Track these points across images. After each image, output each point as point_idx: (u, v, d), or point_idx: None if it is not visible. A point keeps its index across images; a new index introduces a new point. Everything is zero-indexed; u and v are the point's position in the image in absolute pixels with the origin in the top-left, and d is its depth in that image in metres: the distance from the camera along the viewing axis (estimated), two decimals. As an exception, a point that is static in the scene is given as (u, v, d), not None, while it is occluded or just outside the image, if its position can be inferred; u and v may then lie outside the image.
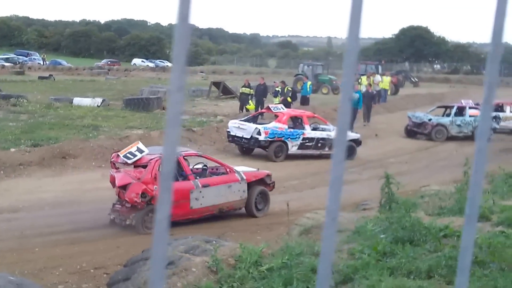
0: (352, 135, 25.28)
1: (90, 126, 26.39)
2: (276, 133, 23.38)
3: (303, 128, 24.29)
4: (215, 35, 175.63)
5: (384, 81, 45.79)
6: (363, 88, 36.69)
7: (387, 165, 20.59)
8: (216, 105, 39.91)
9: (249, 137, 23.35)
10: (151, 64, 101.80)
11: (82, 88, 47.62)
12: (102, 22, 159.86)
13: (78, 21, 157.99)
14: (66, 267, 11.48)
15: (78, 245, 12.86)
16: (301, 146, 23.89)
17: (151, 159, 14.41)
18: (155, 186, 13.87)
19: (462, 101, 35.48)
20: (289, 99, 33.18)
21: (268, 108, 25.53)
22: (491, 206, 11.99)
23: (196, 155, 16.30)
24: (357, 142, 24.83)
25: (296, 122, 25.10)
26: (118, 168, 15.05)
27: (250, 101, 34.46)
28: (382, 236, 9.38)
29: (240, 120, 25.05)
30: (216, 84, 46.73)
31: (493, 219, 11.19)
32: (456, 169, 18.23)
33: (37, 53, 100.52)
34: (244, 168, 16.98)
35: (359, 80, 42.23)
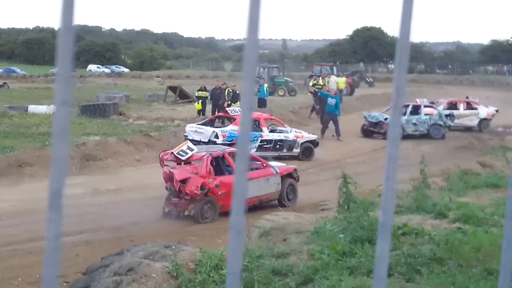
0: (309, 136, 25.40)
1: (46, 134, 26.06)
2: (233, 136, 23.35)
3: (261, 131, 24.33)
4: (170, 40, 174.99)
5: (339, 82, 46.01)
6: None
7: (344, 165, 20.73)
8: (173, 109, 39.77)
9: (206, 140, 23.30)
10: (106, 70, 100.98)
11: (37, 95, 47.05)
12: (56, 29, 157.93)
13: (31, 28, 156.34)
14: (25, 277, 11.35)
15: (36, 254, 12.68)
16: (259, 148, 23.90)
17: (203, 156, 16.20)
18: (210, 180, 15.85)
19: (417, 100, 35.86)
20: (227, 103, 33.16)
21: (225, 111, 25.52)
22: (448, 203, 12.13)
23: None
24: (315, 143, 24.95)
25: (253, 124, 25.05)
26: (167, 165, 16.53)
27: (198, 101, 34.64)
28: (341, 236, 9.44)
29: (198, 124, 25.01)
30: (173, 88, 46.59)
31: (450, 216, 11.32)
32: (413, 167, 18.37)
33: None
34: (275, 163, 18.72)
35: (315, 82, 42.36)
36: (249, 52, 0.86)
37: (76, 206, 16.67)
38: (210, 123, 25.32)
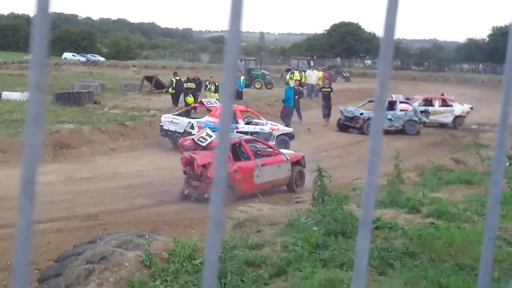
0: (285, 129, 25.42)
1: (19, 121, 25.83)
2: (209, 127, 23.31)
3: (237, 123, 24.31)
4: (147, 30, 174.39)
5: (317, 76, 46.03)
6: (292, 84, 36.70)
7: (319, 159, 20.74)
8: (148, 99, 39.61)
9: (182, 131, 23.22)
10: (82, 59, 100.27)
11: (11, 82, 46.59)
12: (31, 15, 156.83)
13: (6, 14, 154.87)
14: (-5, 263, 11.26)
15: (7, 241, 12.59)
16: (234, 140, 23.90)
17: None
18: (229, 165, 16.07)
19: (393, 95, 36.01)
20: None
21: (201, 102, 25.48)
22: (421, 198, 12.21)
23: (252, 139, 19.11)
24: (290, 136, 24.98)
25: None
26: (187, 150, 17.37)
27: (188, 94, 34.46)
28: (315, 228, 9.45)
29: (173, 115, 24.92)
30: (149, 78, 46.41)
31: (423, 211, 11.39)
32: (387, 162, 18.42)
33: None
34: (285, 151, 19.78)
35: (292, 75, 42.40)
36: (231, 43, 0.83)
37: (48, 194, 16.59)
38: (186, 113, 25.24)
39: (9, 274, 10.84)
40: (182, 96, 35.04)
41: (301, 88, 35.97)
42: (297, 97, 32.58)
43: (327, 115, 33.46)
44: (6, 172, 18.70)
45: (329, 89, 34.15)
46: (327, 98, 33.67)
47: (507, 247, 8.73)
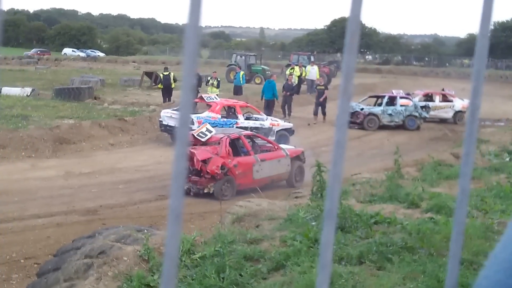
0: (285, 124, 25.42)
1: (19, 116, 25.85)
2: (209, 123, 23.30)
3: (236, 118, 24.31)
4: (147, 25, 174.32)
5: (316, 71, 45.96)
6: (292, 79, 36.64)
7: (319, 153, 20.68)
8: (148, 95, 39.61)
9: (181, 126, 23.19)
10: (82, 54, 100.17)
11: (11, 77, 46.55)
12: (31, 11, 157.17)
13: (6, 10, 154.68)
14: (-6, 257, 11.28)
15: (6, 235, 12.61)
16: (234, 135, 23.91)
17: (222, 138, 17.35)
18: (229, 160, 16.88)
19: (393, 91, 36.00)
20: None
21: (201, 97, 25.47)
22: (421, 193, 12.20)
23: (252, 135, 19.16)
24: (290, 131, 24.97)
25: (229, 111, 25.13)
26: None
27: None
28: (313, 223, 9.45)
29: (173, 110, 24.90)
30: (148, 74, 46.38)
31: (422, 205, 11.39)
32: (387, 157, 18.52)
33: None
34: (285, 146, 19.98)
35: (292, 70, 42.38)
36: (190, 33, 0.81)
37: (48, 189, 16.63)
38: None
39: (9, 268, 10.86)
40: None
41: (294, 84, 35.84)
42: (288, 93, 32.58)
43: (316, 113, 32.63)
44: (6, 167, 18.73)
45: (322, 87, 33.30)
46: (320, 96, 32.79)
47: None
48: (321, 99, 32.48)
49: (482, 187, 13.76)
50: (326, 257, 0.86)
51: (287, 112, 32.48)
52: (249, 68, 54.63)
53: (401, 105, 32.10)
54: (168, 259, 0.85)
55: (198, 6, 0.81)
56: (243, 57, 57.27)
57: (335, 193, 0.87)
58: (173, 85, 34.84)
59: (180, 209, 0.85)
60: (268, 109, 30.26)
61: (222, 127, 23.22)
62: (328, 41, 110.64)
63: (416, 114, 32.08)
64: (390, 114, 31.75)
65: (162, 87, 35.21)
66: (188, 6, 0.82)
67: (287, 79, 35.26)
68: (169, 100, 34.10)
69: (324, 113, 32.35)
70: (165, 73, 35.25)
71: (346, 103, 0.85)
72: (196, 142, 17.59)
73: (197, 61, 0.85)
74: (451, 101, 35.70)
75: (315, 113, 32.58)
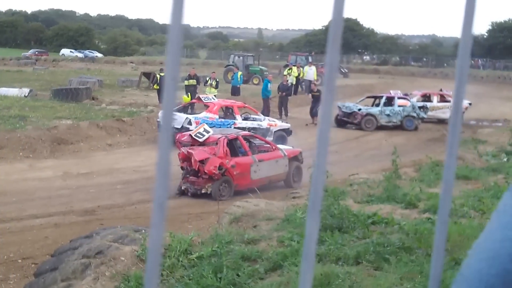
0: (282, 124, 25.44)
1: (17, 117, 25.85)
2: (207, 123, 23.31)
3: (234, 118, 24.33)
4: (145, 26, 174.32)
5: (314, 72, 45.97)
6: (290, 80, 36.65)
7: (317, 154, 20.70)
8: (146, 95, 39.60)
9: (179, 127, 23.21)
10: (80, 55, 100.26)
11: (9, 78, 46.57)
12: (29, 12, 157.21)
13: (4, 11, 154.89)
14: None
15: (4, 236, 12.61)
16: (232, 136, 23.92)
17: (219, 138, 17.33)
18: (227, 160, 16.85)
19: (391, 91, 36.09)
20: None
21: (199, 98, 25.48)
22: (418, 194, 12.21)
23: (250, 135, 19.22)
24: (288, 131, 24.99)
25: (227, 112, 25.16)
26: (184, 146, 17.47)
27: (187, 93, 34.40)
28: (311, 223, 9.44)
29: (171, 110, 24.90)
30: (146, 74, 46.40)
31: (420, 206, 11.39)
32: (385, 157, 18.50)
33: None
34: (283, 146, 19.94)
35: (290, 71, 42.43)
36: (173, 34, 0.82)
37: (46, 189, 16.64)
38: (184, 109, 25.25)
39: (7, 268, 10.86)
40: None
41: (289, 84, 35.75)
42: (284, 93, 32.55)
43: (315, 113, 31.50)
44: (4, 168, 18.74)
45: (317, 93, 32.07)
46: (316, 100, 31.80)
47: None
48: (318, 108, 30.04)
49: (480, 187, 13.78)
50: (309, 248, 0.87)
51: (283, 113, 32.46)
52: (247, 68, 54.68)
53: (399, 106, 32.15)
54: (152, 251, 0.85)
55: (181, 5, 0.81)
56: (241, 58, 57.34)
57: (319, 185, 0.88)
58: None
59: (165, 198, 0.85)
60: (264, 108, 30.32)
61: (220, 127, 23.22)
62: (326, 41, 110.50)
63: (414, 114, 32.13)
64: (388, 115, 31.80)
65: (158, 88, 35.11)
66: (171, 6, 0.82)
67: (283, 80, 35.26)
68: None
69: (315, 114, 31.43)
70: (162, 74, 35.24)
71: (329, 100, 0.85)
72: (194, 142, 17.54)
73: (179, 61, 0.85)
74: (449, 101, 35.70)
75: (314, 114, 31.81)
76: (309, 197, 0.86)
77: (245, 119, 24.95)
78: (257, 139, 19.34)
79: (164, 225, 0.86)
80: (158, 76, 35.91)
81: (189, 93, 33.67)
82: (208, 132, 17.77)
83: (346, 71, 71.36)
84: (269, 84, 32.01)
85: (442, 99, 35.89)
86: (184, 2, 0.82)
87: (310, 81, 43.74)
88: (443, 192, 0.96)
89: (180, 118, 23.66)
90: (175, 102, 0.84)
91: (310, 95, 34.52)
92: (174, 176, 17.83)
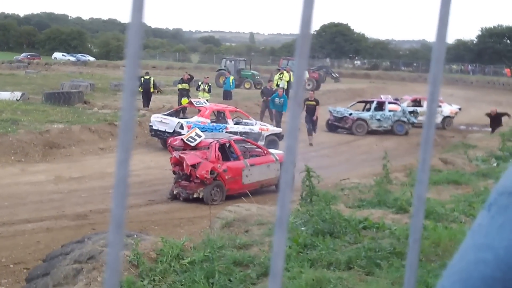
0: (274, 129, 25.46)
1: (9, 120, 25.77)
2: (198, 128, 23.33)
3: (226, 123, 24.36)
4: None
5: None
6: (281, 84, 36.58)
7: (308, 158, 20.76)
8: (138, 99, 39.50)
9: (171, 131, 23.23)
10: (72, 58, 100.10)
11: (1, 82, 46.37)
12: (22, 15, 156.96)
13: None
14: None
15: (-2, 239, 12.61)
16: (223, 141, 23.94)
17: (211, 143, 17.32)
18: (218, 165, 16.90)
19: (382, 96, 36.21)
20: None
21: (191, 102, 25.50)
22: (409, 198, 12.23)
23: (241, 140, 19.32)
24: (279, 136, 25.03)
25: (218, 116, 25.20)
26: (176, 150, 17.49)
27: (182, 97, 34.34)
28: (302, 228, 9.48)
29: (163, 115, 24.93)
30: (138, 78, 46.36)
31: (410, 211, 11.41)
32: (376, 162, 18.56)
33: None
34: (274, 151, 19.88)
35: (281, 75, 42.41)
36: (132, 34, 0.83)
37: (38, 193, 16.61)
38: (176, 113, 25.27)
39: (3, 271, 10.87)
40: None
41: (274, 88, 35.30)
42: (268, 98, 31.49)
43: (311, 130, 28.14)
44: (-5, 172, 18.70)
45: (313, 102, 28.59)
46: (311, 112, 28.25)
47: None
48: (313, 118, 28.28)
49: (470, 192, 13.84)
50: (277, 265, 0.85)
51: (268, 117, 31.57)
52: (239, 73, 54.75)
53: (389, 111, 32.28)
54: (109, 269, 0.82)
55: (141, 4, 0.82)
56: (233, 62, 57.43)
57: (286, 201, 0.88)
58: (152, 89, 34.89)
59: (123, 218, 0.84)
60: (274, 122, 29.55)
61: (212, 132, 23.24)
62: (318, 46, 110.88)
63: (405, 119, 32.26)
64: (378, 119, 31.91)
65: (142, 90, 34.84)
66: (131, 5, 0.82)
67: (267, 84, 35.18)
68: (147, 105, 34.09)
69: (314, 130, 28.61)
70: (146, 77, 35.14)
71: (297, 109, 0.87)
72: (186, 147, 17.52)
73: (139, 63, 0.86)
74: (439, 106, 35.82)
75: (309, 133, 27.95)
76: (276, 214, 0.87)
77: (237, 123, 24.99)
78: (249, 143, 19.41)
79: (123, 245, 0.82)
80: (142, 79, 35.76)
81: (186, 97, 33.69)
82: (200, 136, 17.70)
83: (337, 75, 71.46)
84: (276, 98, 30.08)
85: (433, 104, 35.97)
86: (144, 1, 0.82)
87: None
88: (415, 210, 0.99)
89: (172, 122, 23.68)
90: (135, 107, 0.84)
91: (305, 105, 28.37)
92: (166, 180, 17.88)
